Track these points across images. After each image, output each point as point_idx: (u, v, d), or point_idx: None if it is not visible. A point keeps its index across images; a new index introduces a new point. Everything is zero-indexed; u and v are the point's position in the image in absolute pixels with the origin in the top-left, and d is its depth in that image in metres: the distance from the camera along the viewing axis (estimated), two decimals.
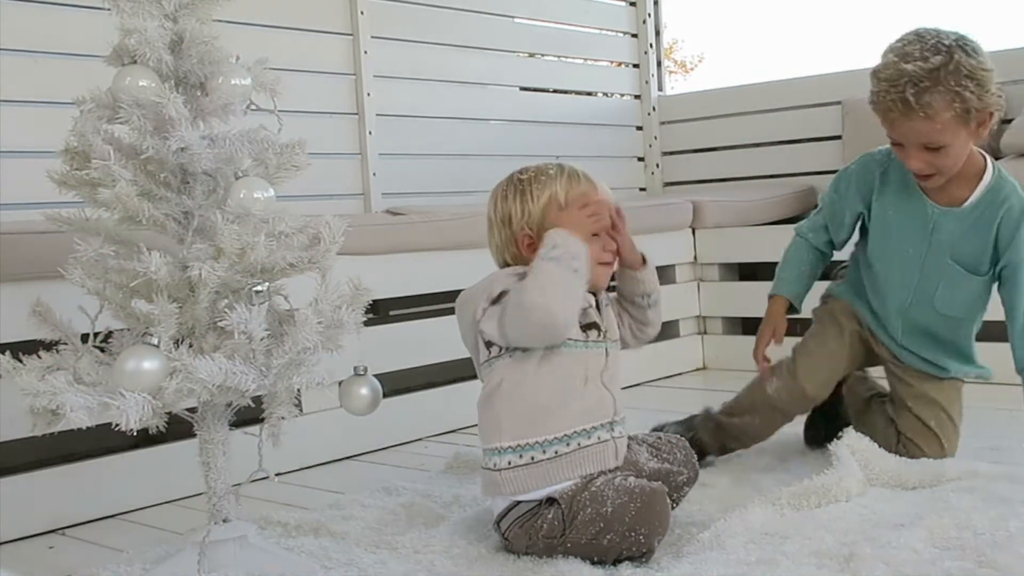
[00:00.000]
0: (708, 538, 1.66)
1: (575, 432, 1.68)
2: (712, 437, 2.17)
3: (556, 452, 1.67)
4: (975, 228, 1.99)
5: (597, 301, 1.78)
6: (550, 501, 1.65)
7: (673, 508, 1.76)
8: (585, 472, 1.67)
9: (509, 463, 1.67)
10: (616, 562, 1.61)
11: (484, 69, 3.88)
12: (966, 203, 1.98)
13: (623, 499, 1.59)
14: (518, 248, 1.75)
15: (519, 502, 1.68)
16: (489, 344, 1.70)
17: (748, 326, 3.54)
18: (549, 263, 1.62)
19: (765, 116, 4.15)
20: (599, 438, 1.70)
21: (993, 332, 2.15)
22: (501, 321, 1.65)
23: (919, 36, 1.87)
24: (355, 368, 1.69)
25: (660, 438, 1.90)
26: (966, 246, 2.01)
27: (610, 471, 1.70)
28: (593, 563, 1.61)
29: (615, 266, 1.82)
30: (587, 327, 1.73)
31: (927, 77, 1.81)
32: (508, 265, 1.79)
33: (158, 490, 2.21)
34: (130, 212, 1.56)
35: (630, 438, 1.81)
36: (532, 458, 1.66)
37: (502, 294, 1.67)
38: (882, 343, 2.15)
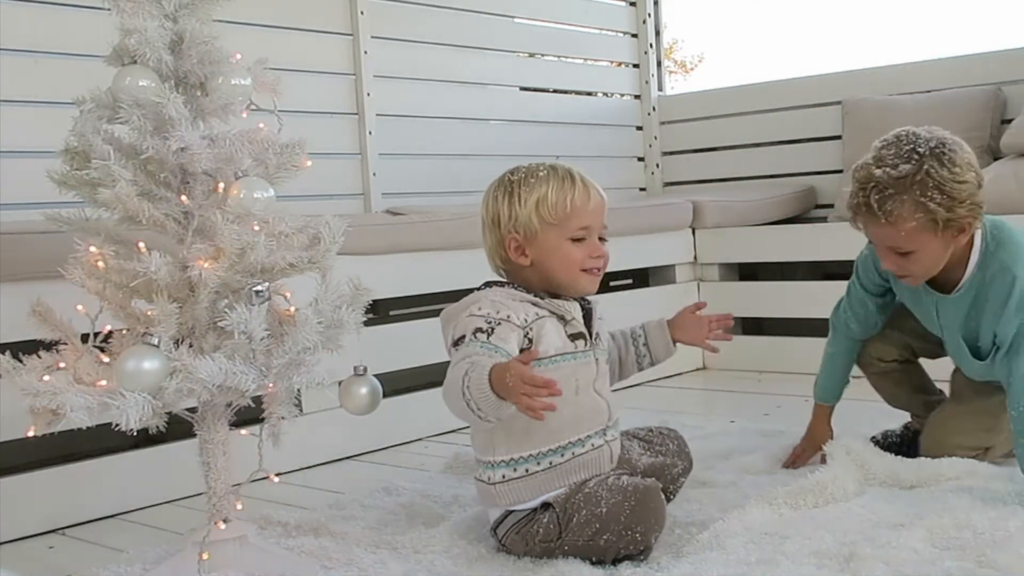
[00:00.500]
0: (708, 538, 1.66)
1: (569, 443, 1.67)
2: None
3: (551, 463, 1.66)
4: (975, 308, 1.91)
5: (585, 309, 1.76)
6: (545, 506, 1.65)
7: (669, 500, 1.76)
8: (580, 479, 1.67)
9: (503, 476, 1.66)
10: (615, 561, 1.61)
11: (484, 69, 3.88)
12: (957, 290, 1.92)
13: (617, 498, 1.59)
14: (506, 251, 1.72)
15: (513, 511, 1.68)
16: None
17: (748, 326, 3.54)
18: (463, 387, 1.51)
19: (765, 116, 4.15)
20: (593, 445, 1.70)
21: None
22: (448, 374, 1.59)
23: (897, 140, 1.83)
24: (355, 368, 1.69)
25: (651, 430, 1.89)
26: (972, 328, 1.93)
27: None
28: (592, 563, 1.61)
29: (602, 273, 1.75)
30: (574, 337, 1.70)
31: (892, 185, 1.77)
32: (500, 268, 1.76)
33: (158, 490, 2.21)
34: (130, 212, 1.56)
35: (622, 434, 1.80)
36: (527, 471, 1.66)
37: (459, 341, 1.64)
38: None
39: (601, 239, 1.73)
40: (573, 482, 1.66)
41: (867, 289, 2.08)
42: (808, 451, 2.13)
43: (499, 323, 1.61)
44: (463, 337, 1.62)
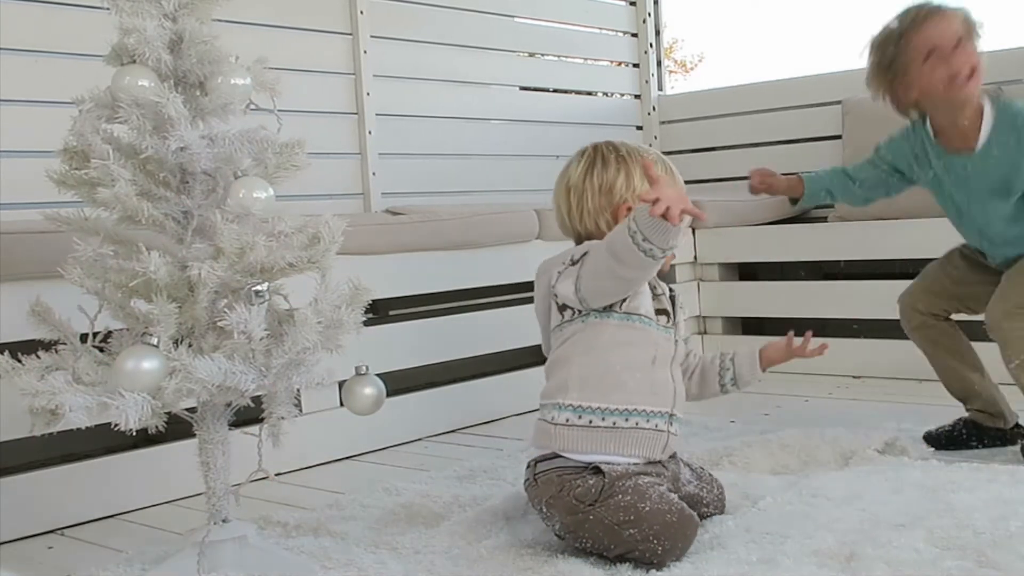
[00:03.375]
0: (708, 538, 1.66)
1: (636, 410, 1.69)
2: (984, 422, 2.23)
3: (614, 423, 1.67)
4: (1000, 159, 2.06)
5: (671, 295, 1.81)
6: (596, 470, 1.65)
7: None
8: (634, 453, 1.68)
9: (567, 420, 1.67)
10: (618, 559, 1.61)
11: (484, 69, 3.88)
12: (978, 145, 2.07)
13: (662, 507, 1.59)
14: (615, 217, 1.76)
15: (563, 455, 1.68)
16: (563, 308, 1.72)
17: (748, 326, 3.54)
18: (630, 238, 1.58)
19: (765, 116, 4.14)
20: (656, 425, 1.71)
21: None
22: (578, 276, 1.66)
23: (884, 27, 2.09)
24: (357, 368, 1.69)
25: (703, 469, 1.89)
26: (997, 178, 2.08)
27: (655, 462, 1.70)
28: (598, 554, 1.60)
29: (673, 258, 1.78)
30: (659, 312, 1.74)
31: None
32: (587, 233, 1.79)
33: (158, 490, 2.21)
34: (129, 212, 1.56)
35: (679, 457, 1.81)
36: (590, 421, 1.67)
37: (584, 255, 1.68)
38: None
39: None
40: (628, 453, 1.67)
41: (881, 156, 2.25)
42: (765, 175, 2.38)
43: None
44: (587, 253, 1.68)
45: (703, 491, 1.81)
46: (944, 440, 2.23)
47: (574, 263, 1.70)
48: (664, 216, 1.51)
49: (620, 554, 1.60)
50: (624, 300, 1.69)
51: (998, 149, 2.05)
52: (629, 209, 1.73)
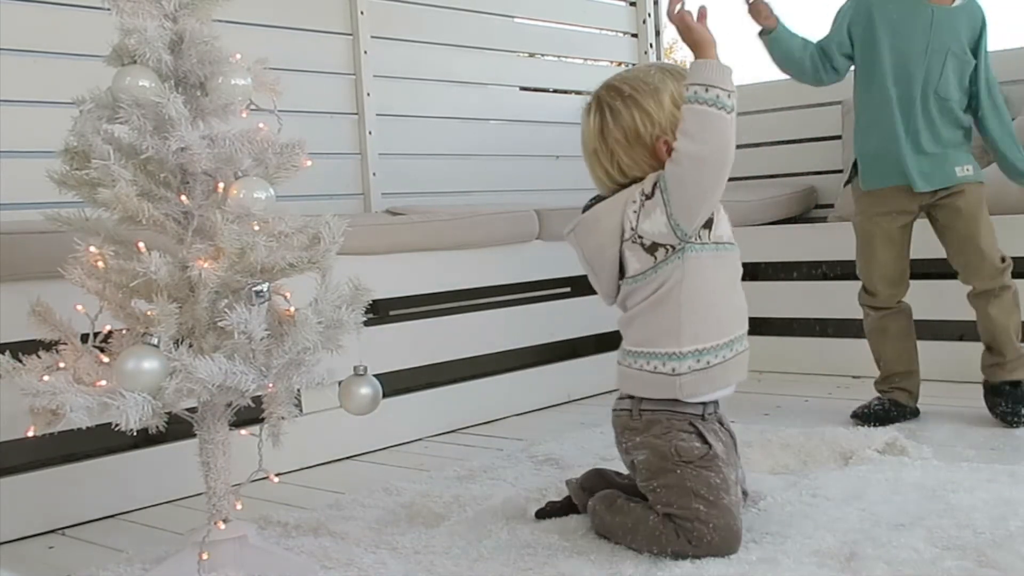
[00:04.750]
0: None
1: (736, 337, 1.73)
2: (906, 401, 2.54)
3: (724, 357, 1.70)
4: (965, 20, 2.40)
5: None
6: (705, 442, 1.67)
7: None
8: (735, 379, 1.73)
9: (689, 368, 1.68)
10: (661, 521, 1.61)
11: (484, 69, 3.89)
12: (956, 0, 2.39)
13: (735, 511, 1.62)
14: (656, 157, 1.70)
15: (684, 402, 1.70)
16: (654, 248, 1.68)
17: (748, 326, 3.53)
18: (702, 105, 1.61)
19: (765, 116, 4.15)
20: (743, 346, 1.75)
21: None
22: (665, 201, 1.63)
23: None
24: (355, 368, 1.69)
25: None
26: (957, 36, 2.38)
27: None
28: (649, 503, 1.64)
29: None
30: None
31: None
32: (625, 183, 1.73)
33: (158, 490, 2.21)
34: (130, 212, 1.56)
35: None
36: (708, 363, 1.69)
37: (656, 183, 1.65)
38: (910, 187, 2.42)
39: None
40: (733, 382, 1.73)
41: (833, 40, 2.50)
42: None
43: None
44: (657, 182, 1.66)
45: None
46: (873, 418, 2.49)
47: (649, 196, 1.66)
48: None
49: (668, 514, 1.61)
50: (711, 227, 1.68)
51: (965, 17, 2.38)
52: (666, 143, 1.68)
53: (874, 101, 2.45)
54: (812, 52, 2.50)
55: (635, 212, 1.67)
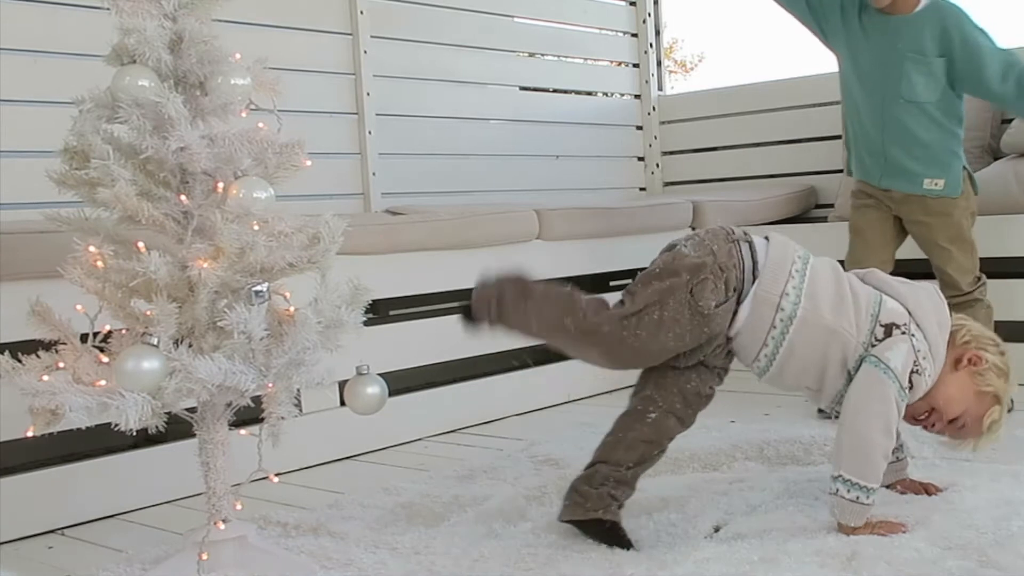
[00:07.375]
0: (709, 537, 1.66)
1: None
2: None
3: None
4: (928, 25, 2.47)
5: None
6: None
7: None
8: None
9: None
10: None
11: (484, 69, 3.88)
12: (916, 8, 2.48)
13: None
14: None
15: None
16: None
17: None
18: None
19: (765, 116, 4.14)
20: None
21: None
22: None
23: None
24: (358, 368, 1.69)
25: None
26: (917, 41, 2.47)
27: None
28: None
29: None
30: None
31: None
32: None
33: (158, 490, 2.21)
34: (129, 212, 1.56)
35: None
36: None
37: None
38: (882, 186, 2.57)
39: None
40: None
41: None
42: None
43: None
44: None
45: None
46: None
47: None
48: None
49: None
50: None
51: (928, 23, 2.45)
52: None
53: (848, 100, 2.64)
54: None
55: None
